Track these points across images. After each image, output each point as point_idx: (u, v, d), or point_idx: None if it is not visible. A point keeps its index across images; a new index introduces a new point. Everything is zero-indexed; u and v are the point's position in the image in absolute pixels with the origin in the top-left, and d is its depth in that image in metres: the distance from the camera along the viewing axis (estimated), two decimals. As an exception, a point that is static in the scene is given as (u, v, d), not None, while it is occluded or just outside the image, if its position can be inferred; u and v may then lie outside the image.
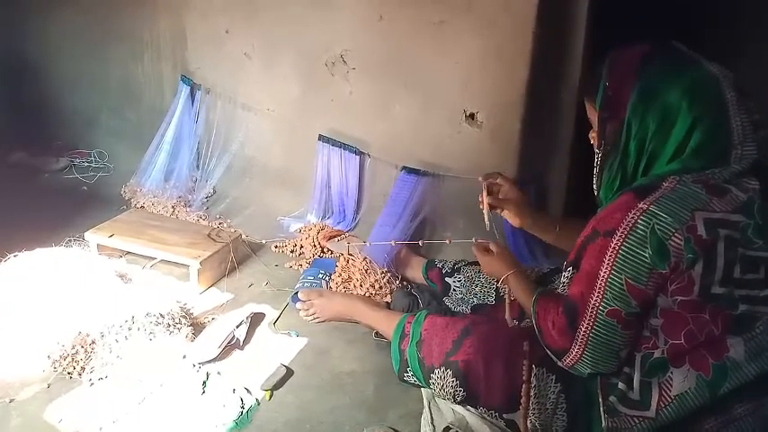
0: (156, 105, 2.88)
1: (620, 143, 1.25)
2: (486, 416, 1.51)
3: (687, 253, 1.12)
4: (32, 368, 1.70)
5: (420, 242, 2.15)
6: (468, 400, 1.51)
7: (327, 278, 2.17)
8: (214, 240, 2.23)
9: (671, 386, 1.19)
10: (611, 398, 1.26)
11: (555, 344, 1.29)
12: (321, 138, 2.45)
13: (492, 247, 1.58)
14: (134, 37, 2.84)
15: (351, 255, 2.24)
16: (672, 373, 1.19)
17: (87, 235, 2.23)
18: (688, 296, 1.15)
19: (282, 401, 1.66)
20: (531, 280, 1.53)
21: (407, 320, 1.68)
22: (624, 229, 1.15)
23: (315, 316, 1.99)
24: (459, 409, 1.56)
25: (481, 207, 1.70)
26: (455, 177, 2.21)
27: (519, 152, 2.11)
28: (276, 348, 1.87)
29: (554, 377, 1.37)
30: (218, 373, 1.74)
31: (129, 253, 2.27)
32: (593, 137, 1.36)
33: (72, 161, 3.03)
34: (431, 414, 1.58)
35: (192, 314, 1.98)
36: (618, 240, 1.16)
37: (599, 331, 1.20)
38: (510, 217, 1.71)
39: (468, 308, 1.90)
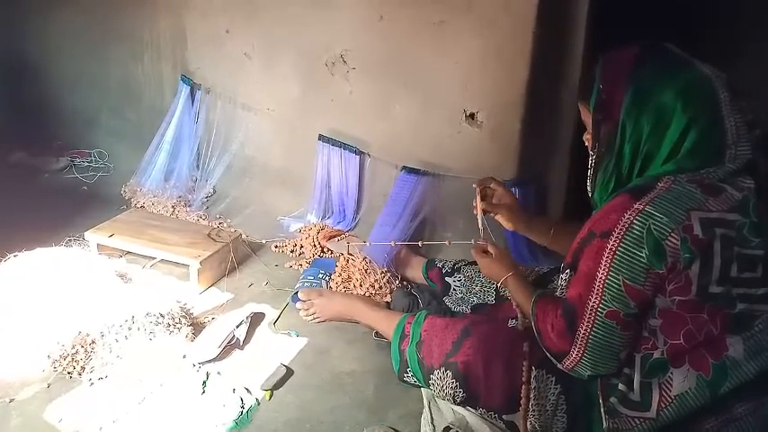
0: (156, 105, 2.89)
1: (614, 145, 1.25)
2: (485, 417, 1.51)
3: (684, 253, 1.12)
4: (32, 368, 1.70)
5: (420, 243, 2.15)
6: (468, 401, 1.51)
7: (327, 278, 2.17)
8: (214, 240, 2.23)
9: (671, 386, 1.19)
10: (612, 399, 1.26)
11: (554, 346, 1.29)
12: (321, 138, 2.45)
13: (490, 249, 1.58)
14: (134, 37, 2.85)
15: (351, 255, 2.24)
16: (672, 373, 1.19)
17: (87, 235, 2.23)
18: (686, 296, 1.15)
19: (282, 401, 1.66)
20: (529, 282, 1.53)
21: (407, 321, 1.68)
22: (620, 229, 1.16)
23: (315, 316, 1.99)
24: (459, 409, 1.56)
25: (475, 213, 1.70)
26: (455, 177, 2.21)
27: (519, 152, 2.11)
28: (276, 348, 1.87)
29: (554, 379, 1.37)
30: (218, 372, 1.74)
31: (129, 253, 2.27)
32: (587, 139, 1.36)
33: (72, 161, 3.03)
34: (431, 414, 1.58)
35: (191, 314, 1.98)
36: (614, 241, 1.16)
37: (598, 333, 1.20)
38: (504, 221, 1.72)
39: (468, 307, 1.90)
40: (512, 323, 1.55)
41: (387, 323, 1.80)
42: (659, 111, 1.19)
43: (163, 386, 1.66)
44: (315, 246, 2.39)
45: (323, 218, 2.55)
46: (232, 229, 2.46)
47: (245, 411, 1.60)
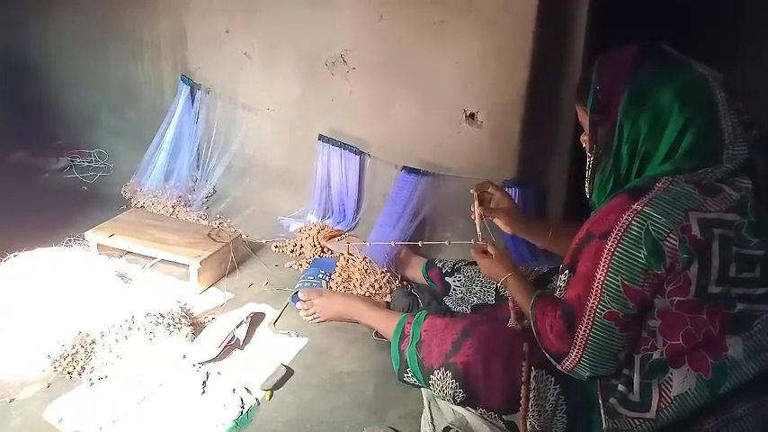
0: (156, 105, 2.89)
1: (612, 146, 1.25)
2: (485, 417, 1.51)
3: (682, 253, 1.12)
4: (32, 368, 1.70)
5: (420, 242, 2.15)
6: (468, 401, 1.51)
7: (327, 278, 2.17)
8: (214, 240, 2.23)
9: (671, 387, 1.19)
10: (612, 399, 1.26)
11: (553, 347, 1.29)
12: (321, 137, 2.45)
13: (490, 249, 1.58)
14: (134, 37, 2.85)
15: (351, 255, 2.24)
16: (671, 373, 1.19)
17: (87, 235, 2.23)
18: (685, 296, 1.15)
19: (282, 401, 1.66)
20: (529, 282, 1.53)
21: (407, 321, 1.68)
22: (619, 230, 1.16)
23: (315, 316, 1.99)
24: (459, 409, 1.56)
25: (473, 218, 1.70)
26: (455, 177, 2.21)
27: (519, 152, 2.11)
28: (276, 348, 1.87)
29: (553, 379, 1.37)
30: (218, 372, 1.74)
31: (129, 253, 2.27)
32: (584, 140, 1.36)
33: (72, 161, 3.03)
34: (431, 414, 1.58)
35: (191, 314, 1.98)
36: (613, 242, 1.16)
37: (597, 334, 1.20)
38: (502, 225, 1.72)
39: (468, 307, 1.90)
40: (514, 323, 1.55)
41: (387, 323, 1.80)
42: (656, 111, 1.19)
43: (163, 386, 1.66)
44: (315, 246, 2.39)
45: (323, 218, 2.55)
46: (232, 229, 2.46)
47: (245, 411, 1.60)
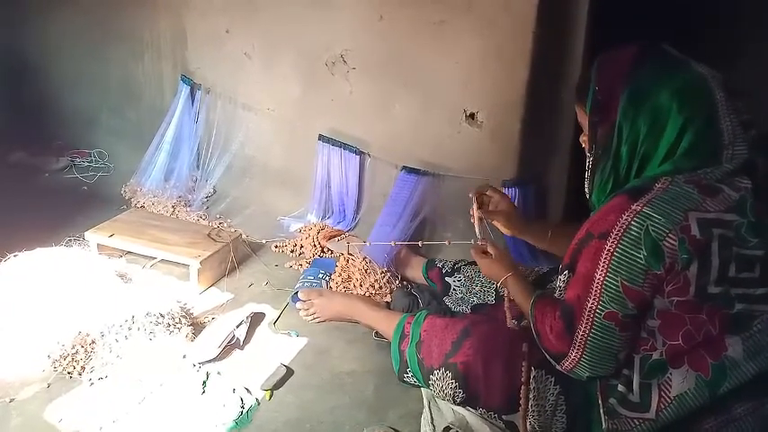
0: (157, 105, 2.89)
1: (611, 146, 1.25)
2: (485, 417, 1.51)
3: (682, 253, 1.12)
4: (32, 368, 1.70)
5: (420, 243, 2.15)
6: (468, 401, 1.51)
7: (327, 278, 2.17)
8: (214, 240, 2.23)
9: (670, 387, 1.19)
10: (611, 400, 1.26)
11: (553, 348, 1.29)
12: (321, 137, 2.45)
13: (490, 249, 1.58)
14: (134, 37, 2.85)
15: (351, 254, 2.24)
16: (671, 374, 1.19)
17: (87, 235, 2.23)
18: (684, 297, 1.15)
19: (282, 401, 1.66)
20: (529, 282, 1.53)
21: (407, 321, 1.68)
22: (618, 230, 1.16)
23: (315, 316, 1.99)
24: (459, 408, 1.56)
25: (472, 221, 1.70)
26: (455, 177, 2.21)
27: (519, 152, 2.11)
28: (276, 348, 1.87)
29: (553, 379, 1.37)
30: (218, 372, 1.74)
31: (129, 253, 2.27)
32: (584, 140, 1.36)
33: (72, 161, 3.03)
34: (431, 414, 1.58)
35: (191, 314, 1.98)
36: (612, 242, 1.16)
37: (596, 334, 1.20)
38: (501, 227, 1.73)
39: (468, 307, 1.90)
40: (511, 323, 1.55)
41: (387, 323, 1.80)
42: (655, 111, 1.19)
43: (163, 386, 1.66)
44: (315, 246, 2.39)
45: (323, 218, 2.55)
46: (232, 229, 2.46)
47: (245, 411, 1.60)
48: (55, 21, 3.03)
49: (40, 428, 1.53)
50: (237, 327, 1.86)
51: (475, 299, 1.90)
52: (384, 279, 2.12)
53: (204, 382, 1.69)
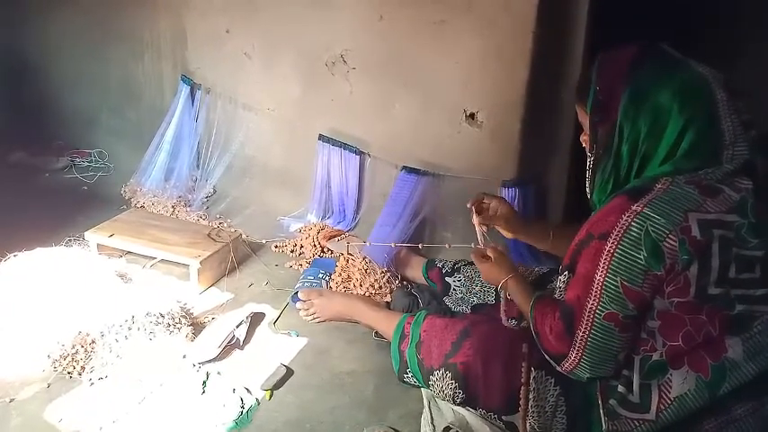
0: (157, 105, 2.89)
1: (612, 146, 1.25)
2: (485, 417, 1.51)
3: (682, 254, 1.12)
4: (32, 368, 1.70)
5: (420, 245, 2.15)
6: (468, 401, 1.51)
7: (327, 278, 2.17)
8: (214, 240, 2.23)
9: (670, 388, 1.19)
10: (611, 401, 1.26)
11: (553, 349, 1.29)
12: (321, 137, 2.45)
13: (490, 253, 1.58)
14: (134, 37, 2.85)
15: (351, 254, 2.24)
16: (671, 374, 1.19)
17: (87, 235, 2.23)
18: (684, 297, 1.15)
19: (282, 401, 1.66)
20: (529, 284, 1.53)
21: (407, 321, 1.68)
22: (618, 231, 1.15)
23: (315, 316, 1.99)
24: (459, 408, 1.56)
25: (476, 231, 1.70)
26: (455, 177, 2.21)
27: (519, 152, 2.11)
28: (276, 348, 1.87)
29: (553, 380, 1.37)
30: (218, 372, 1.74)
31: (129, 253, 2.27)
32: (584, 140, 1.36)
33: (72, 161, 3.03)
34: (431, 414, 1.58)
35: (191, 314, 1.98)
36: (612, 243, 1.16)
37: (596, 335, 1.20)
38: (503, 231, 1.73)
39: (468, 307, 1.90)
40: (511, 324, 1.55)
41: (387, 323, 1.80)
42: (656, 111, 1.19)
43: (163, 386, 1.66)
44: (315, 246, 2.39)
45: (323, 218, 2.55)
46: (232, 229, 2.46)
47: (245, 411, 1.60)
48: (55, 21, 3.03)
49: (40, 428, 1.53)
50: (237, 327, 1.86)
51: (475, 299, 1.90)
52: (384, 279, 2.12)
53: (204, 382, 1.69)
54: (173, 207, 2.63)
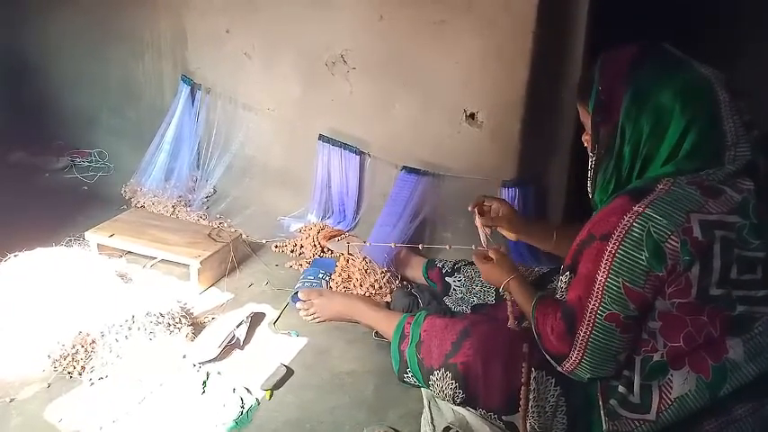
0: (157, 105, 2.89)
1: (614, 146, 1.24)
2: (485, 417, 1.51)
3: (683, 255, 1.12)
4: (33, 368, 1.70)
5: (420, 246, 2.16)
6: (468, 401, 1.51)
7: (327, 278, 2.17)
8: (214, 240, 2.23)
9: (671, 389, 1.19)
10: (612, 401, 1.26)
11: (554, 349, 1.29)
12: (321, 137, 2.45)
13: (491, 254, 1.58)
14: (134, 37, 2.85)
15: (351, 254, 2.24)
16: (672, 375, 1.19)
17: (87, 234, 2.23)
18: (686, 298, 1.15)
19: (282, 401, 1.66)
20: (530, 285, 1.53)
21: (407, 321, 1.68)
22: (620, 232, 1.15)
23: (315, 316, 1.99)
24: (459, 408, 1.56)
25: (479, 233, 1.71)
26: (455, 177, 2.21)
27: (519, 152, 2.11)
28: (276, 348, 1.87)
29: (553, 380, 1.37)
30: (219, 372, 1.74)
31: (129, 253, 2.27)
32: (586, 140, 1.35)
33: (72, 161, 3.03)
34: (431, 414, 1.58)
35: (192, 314, 1.98)
36: (614, 244, 1.16)
37: (597, 336, 1.20)
38: (506, 233, 1.73)
39: (469, 307, 1.90)
40: (513, 325, 1.55)
41: (387, 323, 1.80)
42: (658, 112, 1.19)
43: (163, 386, 1.66)
44: (315, 246, 2.39)
45: (323, 218, 2.55)
46: (232, 229, 2.46)
47: (245, 411, 1.60)
48: (55, 21, 3.03)
49: (40, 428, 1.53)
50: (237, 327, 1.86)
51: (475, 299, 1.90)
52: (384, 279, 2.12)
53: (204, 382, 1.69)
54: (173, 207, 2.63)
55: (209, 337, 1.85)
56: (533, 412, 1.38)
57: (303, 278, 2.18)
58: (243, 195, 2.71)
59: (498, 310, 1.79)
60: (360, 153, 2.40)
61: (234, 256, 2.23)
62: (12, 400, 1.60)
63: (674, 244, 1.12)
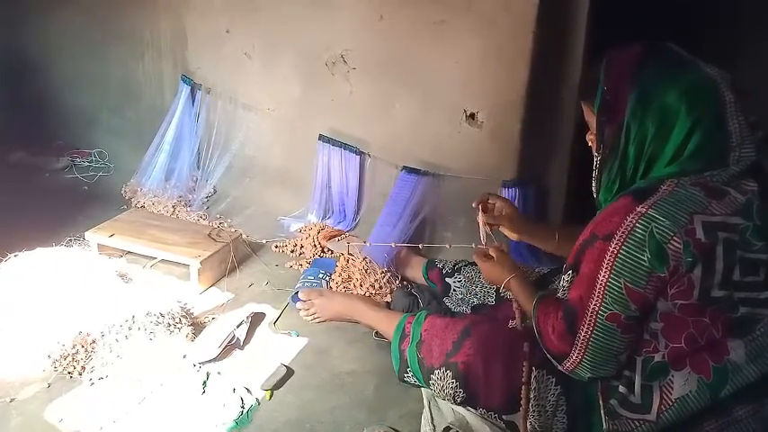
0: (157, 105, 2.89)
1: (618, 146, 1.24)
2: (486, 417, 1.51)
3: (686, 257, 1.12)
4: (33, 368, 1.70)
5: (420, 245, 2.16)
6: (468, 401, 1.51)
7: (327, 278, 2.17)
8: (214, 240, 2.23)
9: (672, 389, 1.19)
10: (612, 401, 1.26)
11: (555, 348, 1.29)
12: (321, 137, 2.45)
13: (492, 252, 1.58)
14: (134, 37, 2.85)
15: (351, 255, 2.24)
16: (673, 376, 1.19)
17: (88, 234, 2.23)
18: (688, 300, 1.15)
19: (282, 401, 1.66)
20: (531, 284, 1.53)
21: (408, 321, 1.68)
22: (623, 232, 1.15)
23: (315, 316, 1.99)
24: (459, 408, 1.56)
25: (480, 230, 1.70)
26: (455, 177, 2.21)
27: (519, 152, 2.11)
28: (276, 348, 1.87)
29: (554, 380, 1.37)
30: (219, 372, 1.74)
31: (129, 253, 2.27)
32: (590, 139, 1.35)
33: (72, 161, 3.03)
34: (431, 414, 1.58)
35: (192, 314, 1.98)
36: (616, 244, 1.16)
37: (598, 336, 1.20)
38: (508, 233, 1.73)
39: (469, 308, 1.90)
40: (512, 323, 1.55)
41: (387, 323, 1.80)
42: (664, 112, 1.18)
43: (163, 386, 1.66)
44: (315, 246, 2.39)
45: (323, 218, 2.55)
46: (232, 229, 2.46)
47: (245, 411, 1.60)
48: (55, 21, 3.03)
49: (41, 428, 1.54)
50: (238, 327, 1.86)
51: (475, 299, 1.90)
52: (384, 279, 2.12)
53: (204, 382, 1.69)
54: (173, 207, 2.63)
55: (210, 337, 1.85)
56: (534, 411, 1.38)
57: (303, 278, 2.18)
58: (243, 195, 2.71)
59: (498, 311, 1.79)
60: (360, 153, 2.40)
61: (234, 256, 2.23)
62: (12, 400, 1.60)
63: (677, 245, 1.12)
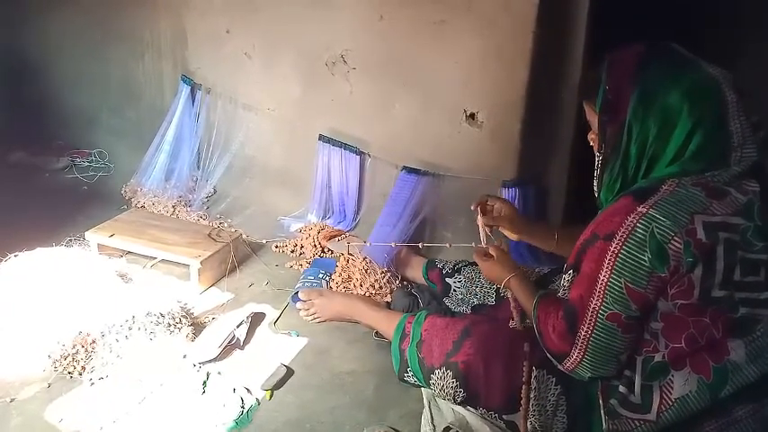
0: (157, 105, 2.89)
1: (620, 145, 1.24)
2: (486, 417, 1.51)
3: (687, 257, 1.12)
4: (33, 368, 1.70)
5: (420, 244, 2.16)
6: (469, 400, 1.51)
7: (328, 278, 2.17)
8: (214, 240, 2.23)
9: (672, 389, 1.19)
10: (612, 400, 1.26)
11: (555, 347, 1.29)
12: (321, 137, 2.45)
13: (492, 251, 1.58)
14: (134, 37, 2.85)
15: (351, 255, 2.24)
16: (673, 376, 1.19)
17: (88, 235, 2.23)
18: (688, 300, 1.15)
19: (282, 401, 1.66)
20: (531, 283, 1.53)
21: (408, 320, 1.69)
22: (623, 232, 1.15)
23: (315, 316, 1.99)
24: (459, 408, 1.56)
25: (479, 231, 1.71)
26: (455, 177, 2.21)
27: (519, 152, 2.11)
28: (276, 348, 1.87)
29: (554, 379, 1.37)
30: (219, 372, 1.74)
31: (129, 253, 2.27)
32: (592, 139, 1.35)
33: (72, 161, 3.03)
34: (431, 414, 1.58)
35: (192, 314, 1.98)
36: (617, 244, 1.16)
37: (599, 335, 1.20)
38: (507, 233, 1.73)
39: (469, 308, 1.90)
40: (512, 323, 1.55)
41: (387, 323, 1.80)
42: (666, 112, 1.18)
43: (163, 386, 1.66)
44: (315, 246, 2.39)
45: (323, 218, 2.55)
46: (232, 229, 2.46)
47: (245, 411, 1.60)
48: (55, 21, 3.03)
49: (41, 428, 1.54)
50: (238, 327, 1.86)
51: (475, 299, 1.90)
52: (384, 279, 2.12)
53: (204, 382, 1.69)
54: (173, 207, 2.63)
55: (210, 337, 1.85)
56: (534, 411, 1.39)
57: (303, 278, 2.18)
58: (243, 195, 2.71)
59: (498, 311, 1.79)
60: (360, 153, 2.40)
61: (234, 256, 2.23)
62: (12, 400, 1.60)
63: (678, 245, 1.12)
